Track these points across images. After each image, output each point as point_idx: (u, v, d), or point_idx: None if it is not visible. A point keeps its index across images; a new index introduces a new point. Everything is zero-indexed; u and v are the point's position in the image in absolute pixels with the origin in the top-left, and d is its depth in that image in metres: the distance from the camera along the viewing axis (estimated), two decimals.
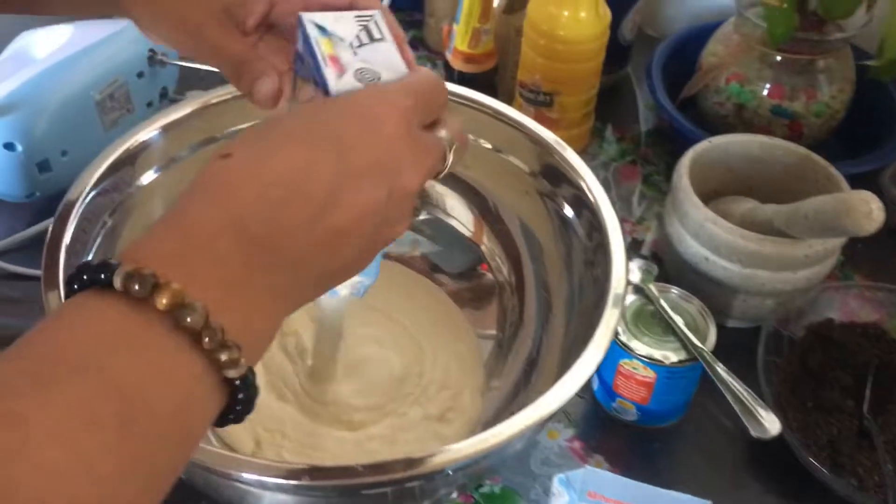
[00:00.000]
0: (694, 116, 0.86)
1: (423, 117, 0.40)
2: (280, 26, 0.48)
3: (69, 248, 0.56)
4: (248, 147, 0.34)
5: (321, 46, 0.42)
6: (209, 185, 0.33)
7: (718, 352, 0.70)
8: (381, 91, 0.39)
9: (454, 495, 0.60)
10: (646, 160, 0.88)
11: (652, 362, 0.62)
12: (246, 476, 0.46)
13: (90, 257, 0.59)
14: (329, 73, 0.41)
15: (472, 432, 0.60)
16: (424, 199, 0.73)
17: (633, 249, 0.78)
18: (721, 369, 0.61)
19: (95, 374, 0.27)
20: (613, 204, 0.61)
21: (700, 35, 0.88)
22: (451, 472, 0.52)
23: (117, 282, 0.28)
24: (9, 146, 0.71)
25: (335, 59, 0.42)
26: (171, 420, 0.28)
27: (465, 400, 0.65)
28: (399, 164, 0.37)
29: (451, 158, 0.42)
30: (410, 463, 0.47)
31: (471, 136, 0.70)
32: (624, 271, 0.58)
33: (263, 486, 0.48)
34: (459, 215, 0.73)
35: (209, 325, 0.29)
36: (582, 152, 0.87)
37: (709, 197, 0.74)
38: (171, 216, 0.33)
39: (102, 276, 0.29)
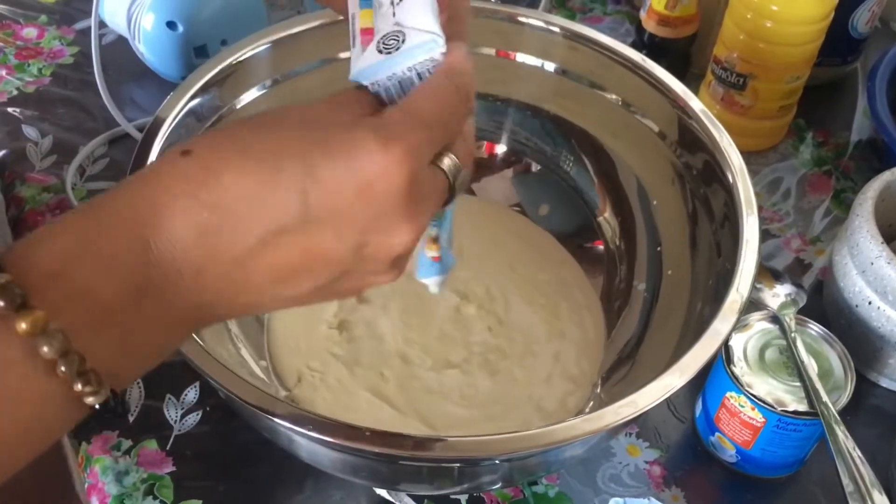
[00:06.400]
0: None
1: (434, 150, 0.33)
2: None
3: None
4: (207, 153, 0.30)
5: (357, 23, 0.35)
6: (144, 186, 0.30)
7: (860, 413, 0.60)
8: (383, 135, 0.30)
9: (498, 486, 0.55)
10: (844, 174, 0.75)
11: (762, 404, 0.52)
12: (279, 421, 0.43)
13: None
14: (355, 54, 0.34)
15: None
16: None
17: (792, 272, 0.68)
18: (842, 435, 0.51)
19: None
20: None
21: None
22: (497, 462, 0.47)
23: None
24: (171, 24, 0.71)
25: (368, 33, 0.34)
26: (15, 435, 0.28)
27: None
28: (384, 224, 0.31)
29: (456, 191, 0.34)
30: (445, 445, 0.43)
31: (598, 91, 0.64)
32: (749, 283, 0.49)
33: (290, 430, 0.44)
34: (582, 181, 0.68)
35: (67, 355, 0.28)
36: (771, 150, 0.77)
37: None
38: (91, 207, 0.30)
39: None
